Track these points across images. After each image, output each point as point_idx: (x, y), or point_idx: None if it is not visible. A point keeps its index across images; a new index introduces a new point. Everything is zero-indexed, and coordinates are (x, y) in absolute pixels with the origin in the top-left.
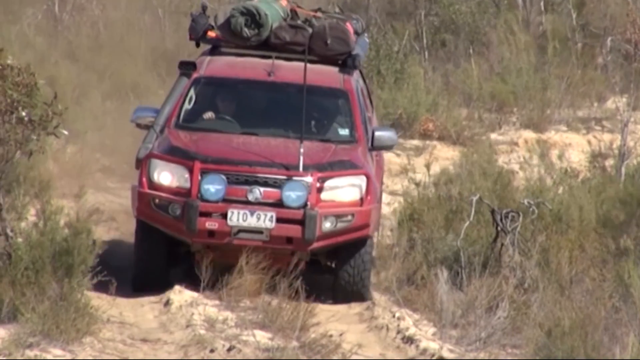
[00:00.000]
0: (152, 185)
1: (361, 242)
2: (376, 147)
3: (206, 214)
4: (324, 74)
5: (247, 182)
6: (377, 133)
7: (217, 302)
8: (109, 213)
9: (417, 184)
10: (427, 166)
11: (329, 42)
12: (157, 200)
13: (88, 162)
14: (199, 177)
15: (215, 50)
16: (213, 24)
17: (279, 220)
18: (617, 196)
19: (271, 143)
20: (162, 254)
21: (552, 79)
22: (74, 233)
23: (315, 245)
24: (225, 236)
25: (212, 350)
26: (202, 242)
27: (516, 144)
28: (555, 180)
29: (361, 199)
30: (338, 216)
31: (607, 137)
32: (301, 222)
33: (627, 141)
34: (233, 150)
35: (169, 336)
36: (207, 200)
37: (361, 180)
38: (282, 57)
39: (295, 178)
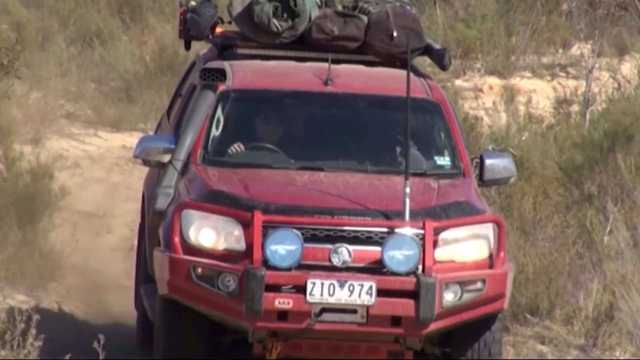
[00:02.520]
0: (189, 248)
1: (489, 320)
2: (488, 181)
3: (275, 288)
4: (401, 81)
5: (331, 239)
6: (488, 162)
7: None
8: (73, 159)
9: None
10: None
11: (395, 34)
12: (199, 270)
13: (52, 108)
14: (261, 235)
15: (225, 53)
16: (222, 16)
17: (381, 292)
18: (581, 142)
19: (350, 181)
20: (200, 347)
21: (516, 26)
22: (36, 179)
23: (433, 326)
24: (303, 318)
25: None
26: (268, 327)
27: (481, 90)
28: (520, 127)
29: (490, 256)
30: (463, 283)
31: (572, 83)
32: (414, 295)
33: (591, 87)
34: (303, 194)
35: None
36: (275, 268)
37: (488, 230)
38: (321, 59)
39: (400, 230)
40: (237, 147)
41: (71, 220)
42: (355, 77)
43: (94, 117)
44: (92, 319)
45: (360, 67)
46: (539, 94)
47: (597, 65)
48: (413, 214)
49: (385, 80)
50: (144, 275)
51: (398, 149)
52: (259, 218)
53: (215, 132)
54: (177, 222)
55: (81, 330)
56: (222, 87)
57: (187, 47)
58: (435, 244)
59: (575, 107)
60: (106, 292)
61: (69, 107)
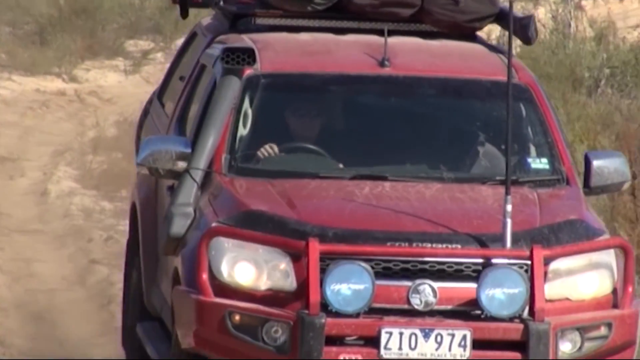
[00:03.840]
0: (222, 287)
1: None
2: (596, 188)
3: (338, 340)
4: (477, 59)
5: (409, 275)
6: (596, 163)
7: (94, 192)
8: None
9: None
10: None
11: None
12: (237, 318)
13: None
14: (318, 269)
15: (239, 24)
16: None
17: (479, 344)
18: None
19: (424, 195)
20: None
21: None
22: None
23: None
24: None
25: (89, 240)
26: None
27: None
28: None
29: (614, 291)
30: (584, 329)
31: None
32: (520, 346)
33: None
34: (368, 214)
35: (46, 226)
36: (338, 314)
37: (611, 258)
38: (362, 30)
39: (501, 261)
40: (268, 150)
41: None
42: (418, 55)
43: (7, 60)
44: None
45: (419, 41)
46: None
47: None
48: (515, 239)
49: (457, 58)
50: (139, 311)
51: (480, 149)
52: (315, 248)
53: (243, 131)
54: (204, 254)
55: None
56: (248, 72)
57: (184, 14)
58: (544, 277)
59: None
60: (18, 235)
61: None
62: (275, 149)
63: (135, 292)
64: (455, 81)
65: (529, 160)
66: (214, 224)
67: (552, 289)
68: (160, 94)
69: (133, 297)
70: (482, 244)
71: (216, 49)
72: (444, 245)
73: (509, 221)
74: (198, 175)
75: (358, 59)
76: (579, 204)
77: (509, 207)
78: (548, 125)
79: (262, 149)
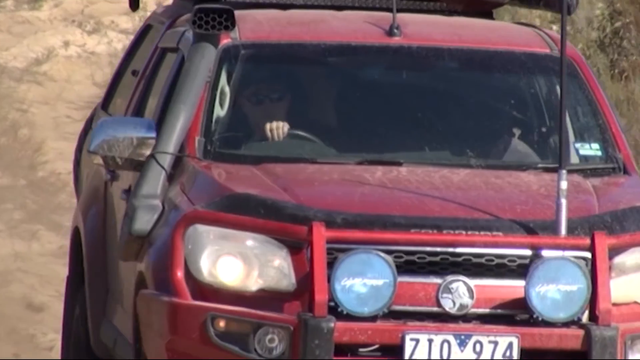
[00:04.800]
0: (202, 288)
1: None
2: None
3: (352, 349)
4: (507, 30)
5: (439, 269)
6: None
7: None
8: None
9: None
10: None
11: None
12: (221, 323)
13: None
14: (325, 261)
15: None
16: None
17: (529, 353)
18: None
19: (452, 180)
20: None
21: None
22: None
23: None
24: None
25: None
26: None
27: None
28: None
29: None
30: None
31: None
32: (581, 356)
33: None
34: (386, 197)
35: None
36: (351, 316)
37: None
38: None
39: (554, 253)
40: (276, 130)
41: None
42: (435, 25)
43: None
44: None
45: (433, 16)
46: None
47: None
48: (571, 227)
49: (482, 28)
50: (85, 356)
51: (515, 132)
52: (320, 234)
53: (220, 111)
54: (179, 247)
55: None
56: (225, 41)
57: (135, 5)
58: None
59: None
60: None
61: None
62: (286, 128)
63: (78, 334)
64: (482, 53)
65: (577, 146)
66: (191, 209)
67: (617, 289)
68: (104, 103)
69: (76, 341)
70: (530, 231)
71: (181, 28)
72: (483, 233)
73: (563, 202)
74: (166, 161)
75: (361, 27)
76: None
77: (563, 184)
78: (598, 105)
79: (270, 128)
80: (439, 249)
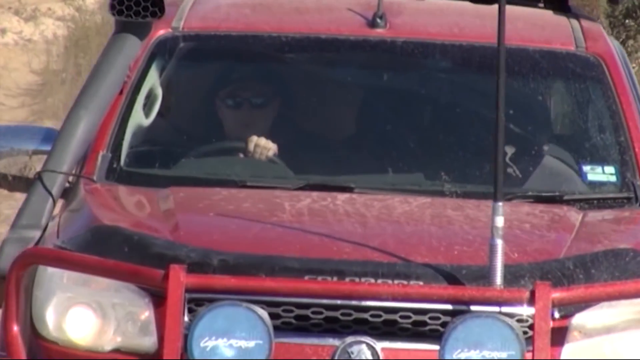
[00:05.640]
0: (44, 347)
1: None
2: None
3: None
4: (529, 22)
5: (337, 327)
6: None
7: None
8: None
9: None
10: None
11: None
12: None
13: None
14: (182, 314)
15: None
16: None
17: None
18: None
19: (394, 212)
20: None
21: None
22: None
23: None
24: None
25: None
26: None
27: None
28: None
29: None
30: None
31: None
32: None
33: None
34: (285, 235)
35: None
36: None
37: None
38: None
39: (481, 308)
40: (262, 147)
41: None
42: (431, 14)
43: None
44: None
45: (436, 1)
46: None
47: None
48: (516, 274)
49: (490, 18)
50: None
51: (512, 151)
52: (177, 280)
53: (142, 119)
54: (14, 294)
55: None
56: (163, 31)
57: None
58: (563, 335)
59: None
60: None
61: None
62: (271, 152)
63: None
64: (484, 50)
65: (585, 168)
66: (38, 249)
67: (576, 356)
68: None
69: None
70: (455, 279)
71: None
72: (397, 282)
73: (498, 243)
74: (55, 182)
75: (336, 16)
76: None
77: (498, 221)
78: (623, 118)
79: (255, 143)
80: (339, 302)
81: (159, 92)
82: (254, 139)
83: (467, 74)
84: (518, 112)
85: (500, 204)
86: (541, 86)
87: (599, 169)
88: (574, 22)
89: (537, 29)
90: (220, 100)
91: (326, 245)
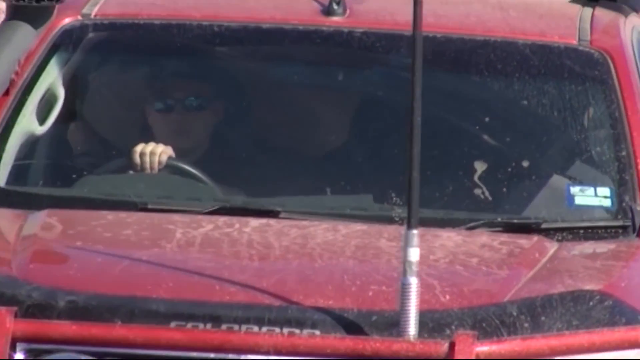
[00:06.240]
0: None
1: None
2: None
3: None
4: (523, 10)
5: None
6: None
7: None
8: None
9: None
10: None
11: None
12: None
13: None
14: None
15: None
16: None
17: None
18: None
19: (312, 242)
20: None
21: None
22: None
23: None
24: None
25: None
26: None
27: None
28: None
29: None
30: None
31: None
32: None
33: None
34: (158, 271)
35: None
36: None
37: None
38: None
39: None
40: (153, 154)
41: None
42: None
43: None
44: None
45: None
46: None
47: None
48: (439, 320)
49: (462, 4)
50: None
51: (480, 167)
52: (3, 325)
53: (32, 125)
54: None
55: None
56: (70, 19)
57: None
58: None
59: None
60: None
61: None
62: (165, 156)
63: None
64: (462, 43)
65: (573, 190)
66: None
67: None
68: None
69: None
70: (364, 329)
71: None
72: (285, 331)
73: (412, 282)
74: None
75: (284, 1)
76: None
77: (413, 254)
78: (626, 128)
79: (140, 152)
80: (212, 355)
81: (60, 92)
82: (138, 148)
83: (439, 73)
84: (494, 120)
85: (414, 231)
86: (528, 88)
87: (589, 190)
88: (587, 10)
89: (532, 19)
90: (148, 103)
91: (206, 284)
